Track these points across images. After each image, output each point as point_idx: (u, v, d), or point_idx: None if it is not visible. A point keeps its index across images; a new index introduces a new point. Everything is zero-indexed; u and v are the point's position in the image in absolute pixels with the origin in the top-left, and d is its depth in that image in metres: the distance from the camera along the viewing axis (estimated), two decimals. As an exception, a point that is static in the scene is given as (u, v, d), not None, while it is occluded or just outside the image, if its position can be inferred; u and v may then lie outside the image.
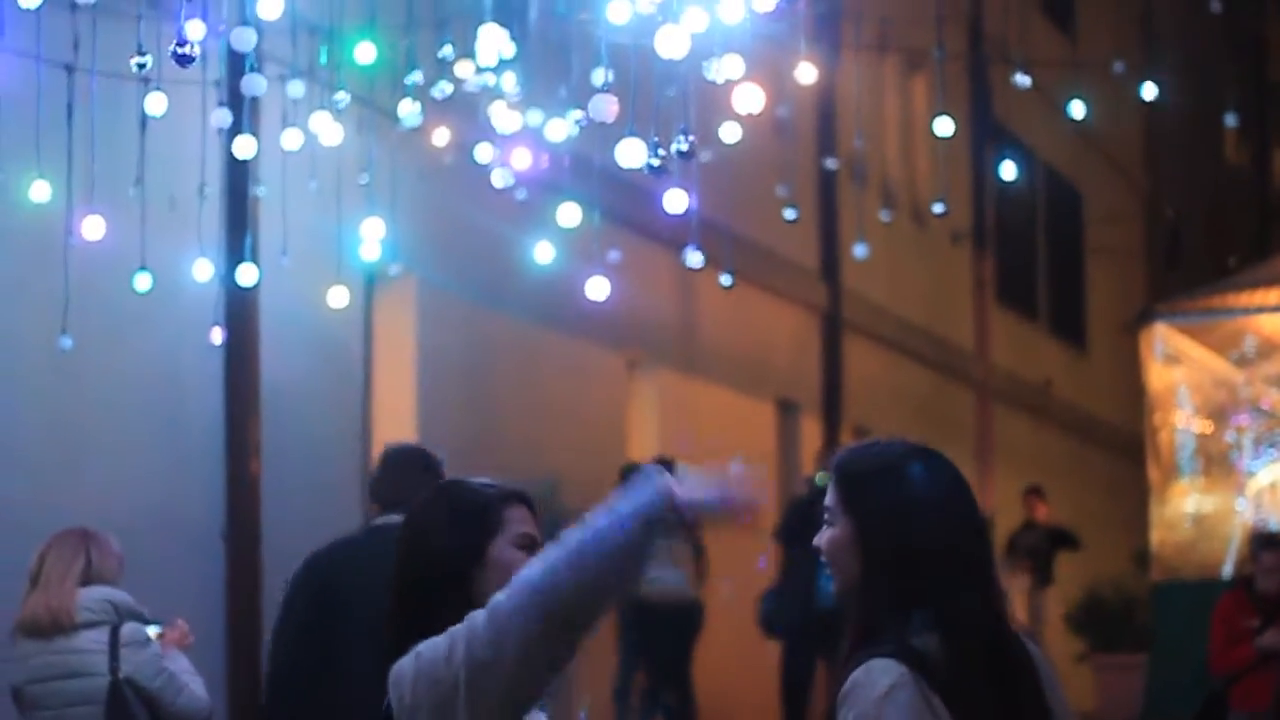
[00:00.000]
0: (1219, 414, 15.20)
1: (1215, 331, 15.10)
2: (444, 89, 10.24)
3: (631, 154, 6.92)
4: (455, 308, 13.77)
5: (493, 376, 14.35)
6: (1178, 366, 15.01)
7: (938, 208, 13.48)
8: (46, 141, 8.38)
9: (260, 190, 10.82)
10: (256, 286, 10.35)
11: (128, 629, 7.19)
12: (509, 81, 10.12)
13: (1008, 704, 3.61)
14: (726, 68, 7.69)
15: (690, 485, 3.61)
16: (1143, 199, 31.11)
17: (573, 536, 3.54)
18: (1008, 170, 15.50)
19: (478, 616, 3.56)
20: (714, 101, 8.40)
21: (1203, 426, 15.16)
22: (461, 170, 11.59)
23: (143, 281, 9.09)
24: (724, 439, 16.16)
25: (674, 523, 3.56)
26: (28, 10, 7.90)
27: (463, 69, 10.13)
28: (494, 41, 9.56)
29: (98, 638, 7.17)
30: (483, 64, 9.92)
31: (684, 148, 6.85)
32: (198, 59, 7.00)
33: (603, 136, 7.68)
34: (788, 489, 18.44)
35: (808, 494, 15.51)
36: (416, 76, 10.14)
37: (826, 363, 19.87)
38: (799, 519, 14.82)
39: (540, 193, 11.38)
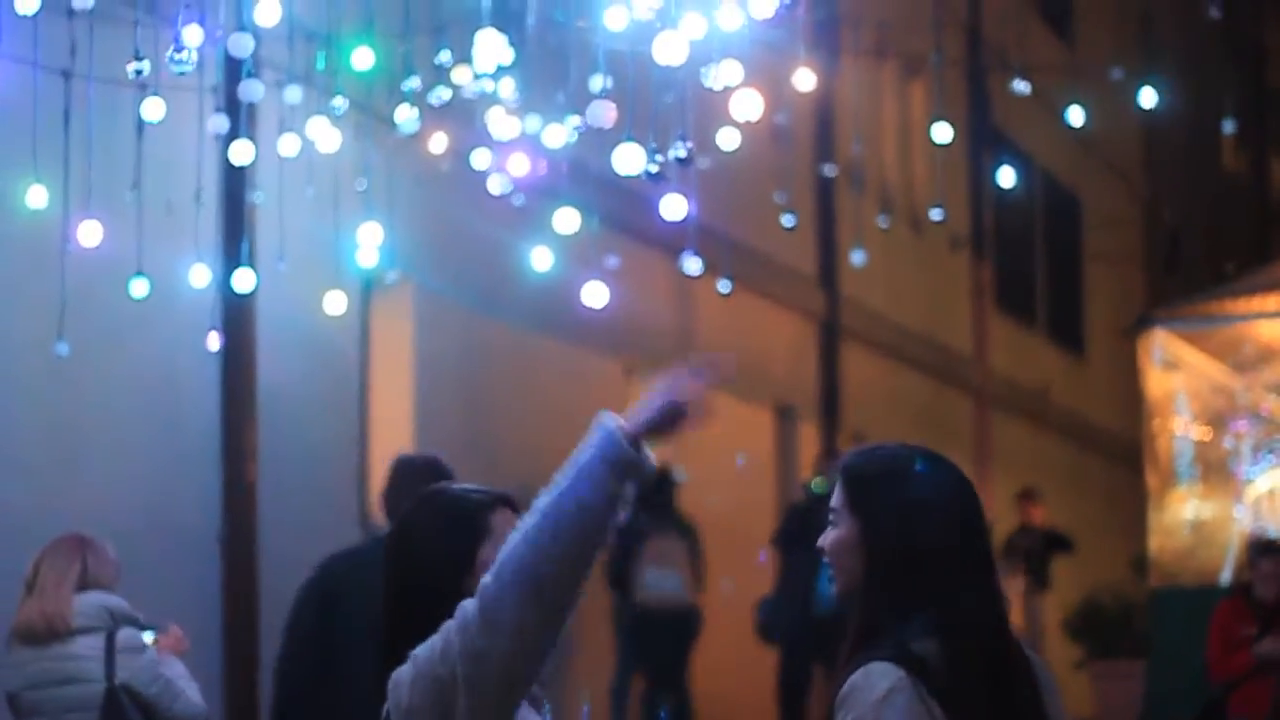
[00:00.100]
0: (1217, 420, 15.16)
1: (1214, 337, 15.07)
2: (441, 95, 10.22)
3: (629, 160, 6.93)
4: (452, 313, 13.76)
5: (490, 382, 14.34)
6: (1176, 372, 14.97)
7: (936, 214, 13.49)
8: (43, 147, 8.37)
9: (257, 196, 10.81)
10: (253, 292, 10.34)
11: (123, 635, 7.19)
12: (507, 87, 10.10)
13: (1005, 709, 3.62)
14: (724, 74, 7.69)
15: (636, 410, 3.64)
16: (1141, 205, 31.08)
17: (542, 500, 3.56)
18: (1006, 176, 15.47)
19: (468, 606, 3.57)
20: (712, 108, 8.40)
21: (1201, 433, 15.12)
22: (459, 176, 11.57)
23: (139, 287, 9.07)
24: (722, 445, 16.15)
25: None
26: (24, 16, 7.88)
27: (460, 75, 10.12)
28: (492, 47, 9.53)
29: (93, 644, 7.16)
30: (480, 70, 9.89)
31: (682, 154, 6.85)
32: (195, 65, 7.00)
33: (601, 143, 7.67)
34: (785, 495, 18.43)
35: (805, 500, 15.50)
36: (414, 82, 10.12)
37: (824, 369, 19.86)
38: (797, 524, 14.83)
39: (538, 199, 11.36)
